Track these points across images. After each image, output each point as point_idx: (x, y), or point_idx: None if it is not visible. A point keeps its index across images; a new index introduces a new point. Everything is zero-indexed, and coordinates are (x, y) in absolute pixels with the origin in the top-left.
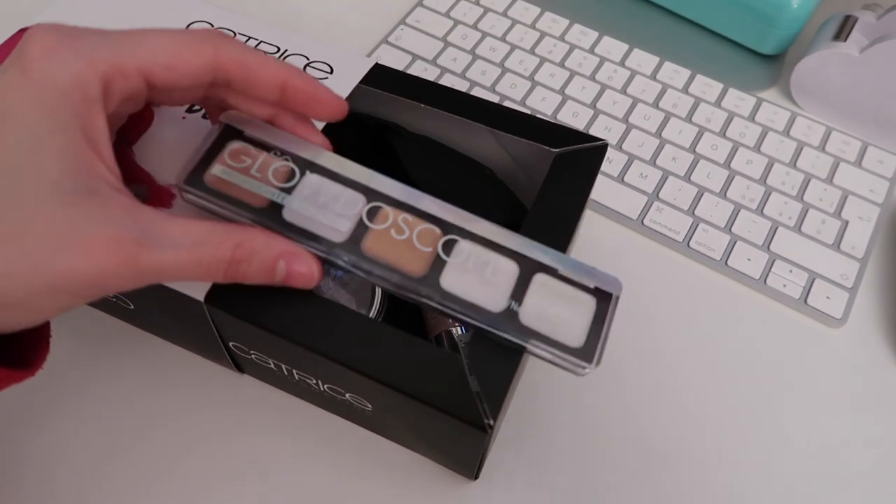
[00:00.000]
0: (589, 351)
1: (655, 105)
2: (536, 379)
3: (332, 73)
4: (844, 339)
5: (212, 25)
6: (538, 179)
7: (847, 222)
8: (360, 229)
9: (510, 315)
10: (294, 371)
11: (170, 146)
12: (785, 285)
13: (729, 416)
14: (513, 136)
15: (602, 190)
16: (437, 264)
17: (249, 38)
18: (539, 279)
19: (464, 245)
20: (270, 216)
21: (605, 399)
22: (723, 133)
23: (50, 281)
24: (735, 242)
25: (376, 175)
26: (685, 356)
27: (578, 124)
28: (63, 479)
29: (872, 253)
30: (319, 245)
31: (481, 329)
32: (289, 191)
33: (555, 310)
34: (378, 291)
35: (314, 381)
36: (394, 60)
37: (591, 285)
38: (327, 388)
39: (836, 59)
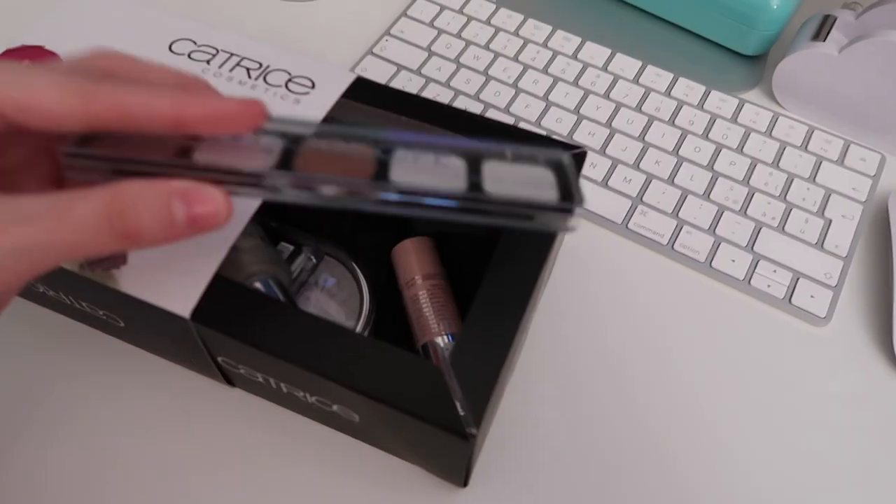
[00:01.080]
0: (567, 199)
1: (638, 109)
2: (524, 383)
3: (313, 87)
4: (829, 337)
5: (194, 43)
6: None
7: (830, 221)
8: (289, 150)
9: (476, 189)
10: (282, 384)
11: None
12: (769, 285)
13: (716, 417)
14: None
15: (587, 195)
16: (382, 165)
17: (232, 54)
18: (489, 165)
19: (401, 150)
20: (179, 164)
21: (595, 402)
22: (706, 135)
23: None
24: (719, 244)
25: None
26: (672, 358)
27: (562, 130)
28: (55, 492)
29: (856, 251)
30: (245, 179)
31: (452, 211)
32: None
33: (517, 176)
34: (366, 302)
35: (302, 394)
36: (379, 71)
37: (541, 158)
38: (315, 400)
39: (817, 59)
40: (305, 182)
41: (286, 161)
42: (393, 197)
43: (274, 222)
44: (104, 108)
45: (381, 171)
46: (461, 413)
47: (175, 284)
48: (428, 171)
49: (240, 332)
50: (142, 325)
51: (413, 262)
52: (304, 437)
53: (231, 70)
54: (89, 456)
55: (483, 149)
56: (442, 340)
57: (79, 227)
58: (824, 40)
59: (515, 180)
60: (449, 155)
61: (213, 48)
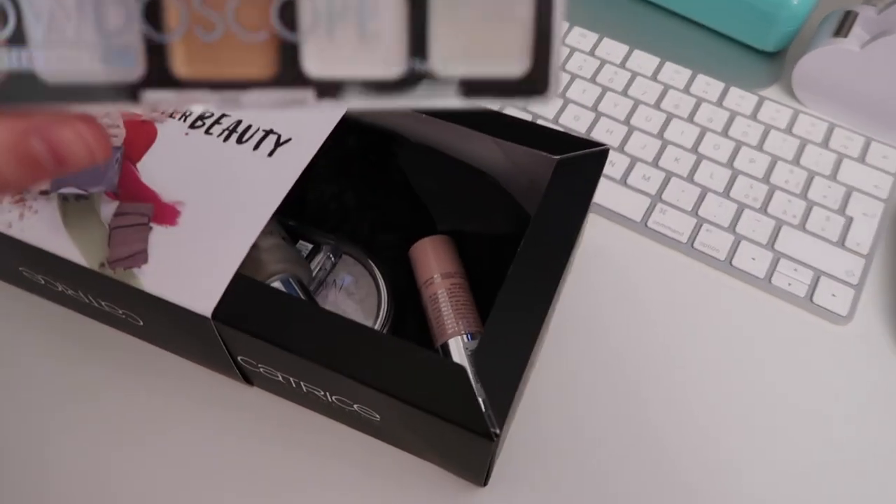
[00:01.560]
0: (541, 74)
1: (657, 106)
2: (544, 381)
3: None
4: (851, 335)
5: None
6: (541, 186)
7: (851, 219)
8: (155, 51)
9: (419, 76)
10: (302, 383)
11: (173, 163)
12: (790, 284)
13: (738, 416)
14: (514, 144)
15: (605, 193)
16: (288, 50)
17: None
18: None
19: None
20: (24, 90)
21: (615, 401)
22: (725, 132)
23: None
24: (739, 242)
25: None
26: (692, 357)
27: (580, 128)
28: (74, 490)
29: (878, 249)
30: (119, 101)
31: (390, 108)
32: (17, 39)
33: (479, 33)
34: (384, 301)
35: (322, 393)
36: None
37: None
38: (335, 399)
39: (838, 56)
40: (188, 98)
41: (156, 60)
42: (310, 99)
43: (292, 221)
44: None
45: (287, 57)
46: (484, 412)
47: (196, 283)
48: (353, 47)
49: (260, 330)
50: (162, 324)
51: (431, 260)
52: (324, 437)
53: None
54: (107, 454)
55: None
56: (461, 340)
57: None
58: (846, 36)
59: (473, 24)
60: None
61: None
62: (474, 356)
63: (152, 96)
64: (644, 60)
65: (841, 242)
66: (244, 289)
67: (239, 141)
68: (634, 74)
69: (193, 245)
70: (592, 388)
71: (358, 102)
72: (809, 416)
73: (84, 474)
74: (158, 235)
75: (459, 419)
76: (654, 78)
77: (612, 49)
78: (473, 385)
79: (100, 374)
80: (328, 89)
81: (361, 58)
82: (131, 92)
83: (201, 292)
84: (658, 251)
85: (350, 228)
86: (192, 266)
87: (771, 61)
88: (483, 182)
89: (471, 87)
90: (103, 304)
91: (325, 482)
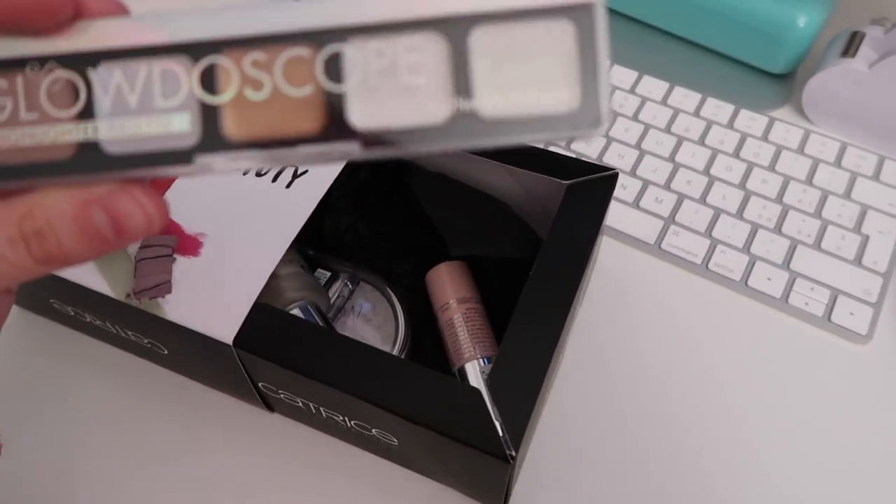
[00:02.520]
0: (591, 107)
1: (667, 130)
2: (560, 403)
3: None
4: (872, 354)
5: None
6: (552, 211)
7: (868, 237)
8: (209, 114)
9: (464, 117)
10: (321, 408)
11: (196, 196)
12: (807, 303)
13: (758, 439)
14: (524, 170)
15: (617, 216)
16: (334, 102)
17: None
18: (478, 38)
19: (352, 53)
20: (90, 161)
21: (632, 424)
22: (736, 154)
23: None
24: (754, 262)
25: (172, 15)
26: (710, 379)
27: (592, 153)
28: None
29: (895, 267)
30: (171, 165)
31: (438, 151)
32: (87, 113)
33: (522, 73)
34: (402, 326)
35: (341, 418)
36: None
37: (557, 2)
38: (354, 424)
39: (846, 76)
40: (246, 159)
41: (210, 124)
42: (356, 152)
43: (311, 250)
44: None
45: (333, 111)
46: (500, 435)
47: (218, 312)
48: (396, 97)
49: (280, 357)
50: (185, 352)
51: (447, 286)
52: (343, 462)
53: None
54: (131, 480)
55: (468, 10)
56: (478, 364)
57: None
58: (854, 56)
59: (518, 61)
60: (422, 34)
61: None
62: (489, 379)
63: (205, 160)
64: (653, 86)
65: (857, 261)
66: (264, 316)
67: (258, 174)
68: (644, 100)
69: (215, 275)
70: (608, 409)
71: (405, 149)
72: (831, 436)
73: (107, 499)
74: (182, 266)
75: (476, 442)
76: (664, 102)
77: (623, 76)
78: (489, 408)
79: (126, 403)
80: (374, 140)
81: (406, 105)
82: (187, 156)
83: (223, 320)
84: (673, 273)
85: (366, 256)
86: (214, 295)
87: (780, 83)
88: (495, 208)
89: (517, 125)
90: (129, 333)
91: None
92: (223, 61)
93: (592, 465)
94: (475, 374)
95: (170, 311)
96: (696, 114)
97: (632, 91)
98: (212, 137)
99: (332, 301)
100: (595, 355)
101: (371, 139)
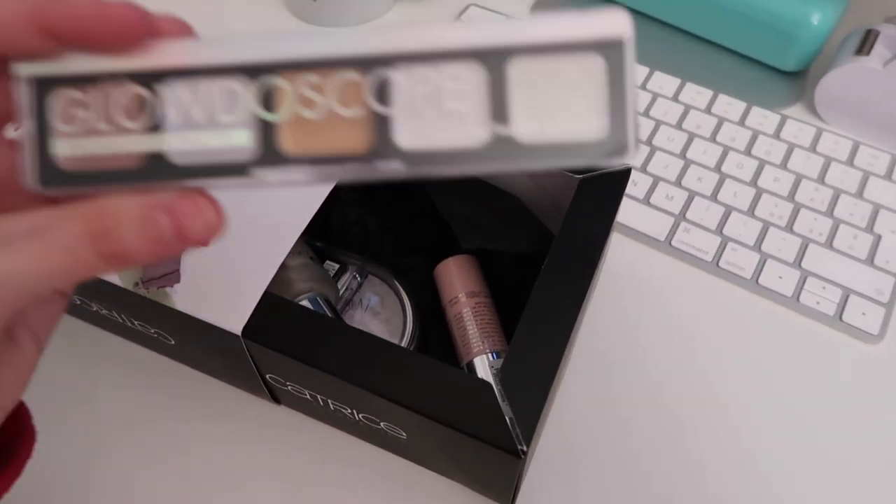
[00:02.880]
0: (619, 136)
1: (679, 126)
2: (569, 399)
3: None
4: (884, 354)
5: None
6: (563, 205)
7: (880, 237)
8: (266, 130)
9: (501, 142)
10: (329, 401)
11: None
12: (818, 302)
13: (768, 436)
14: None
15: (628, 213)
16: (381, 125)
17: None
18: (517, 69)
19: (400, 79)
20: (157, 170)
21: (639, 420)
22: (748, 151)
23: None
24: (765, 260)
25: (234, 38)
26: (720, 377)
27: None
28: None
29: None
30: (230, 176)
31: (476, 173)
32: (156, 126)
33: (556, 102)
34: (410, 320)
35: (349, 411)
36: None
37: (589, 37)
38: (362, 417)
39: (860, 74)
40: (299, 176)
41: (268, 140)
42: (402, 170)
43: (319, 242)
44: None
45: (381, 132)
46: (512, 429)
47: (227, 302)
48: (439, 122)
49: (289, 348)
50: (192, 342)
51: (456, 280)
52: (350, 455)
53: None
54: (136, 471)
55: (507, 43)
56: (487, 358)
57: (61, 251)
58: (867, 55)
59: (551, 93)
60: (463, 63)
61: None
62: (500, 374)
63: (261, 173)
64: (665, 82)
65: (870, 260)
66: (273, 307)
67: None
68: (655, 96)
69: (224, 265)
70: (619, 406)
71: (446, 170)
72: (842, 436)
73: (114, 491)
74: (191, 256)
75: (487, 437)
76: (675, 99)
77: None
78: (500, 402)
79: (131, 393)
80: (418, 160)
81: (448, 129)
82: (244, 169)
83: (232, 311)
84: (683, 270)
85: (374, 250)
86: (223, 285)
87: (793, 81)
88: (506, 202)
89: (550, 151)
90: (136, 323)
91: (350, 501)
92: (280, 82)
93: (600, 460)
94: (484, 368)
95: (178, 300)
96: (708, 111)
97: (643, 87)
98: (268, 152)
99: (340, 293)
100: (604, 352)
101: (415, 159)
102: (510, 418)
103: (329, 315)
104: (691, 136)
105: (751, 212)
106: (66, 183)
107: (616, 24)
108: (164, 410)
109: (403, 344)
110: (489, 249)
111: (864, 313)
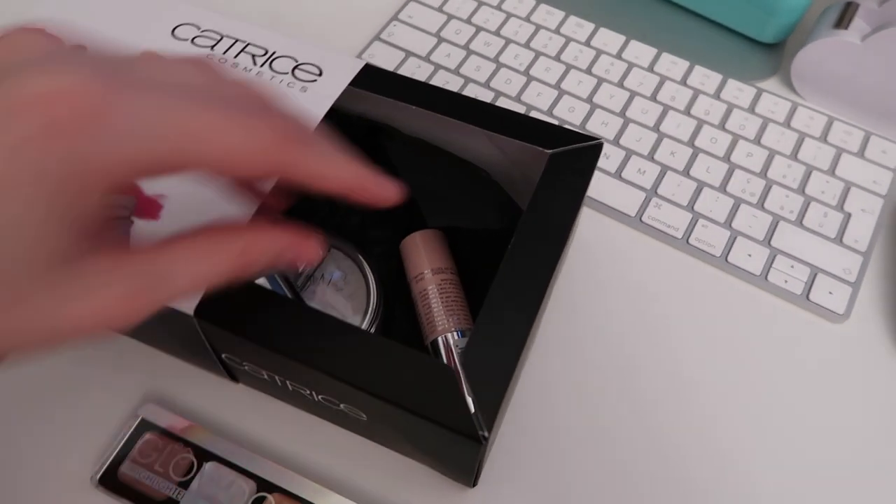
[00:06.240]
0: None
1: (653, 98)
2: (535, 379)
3: (321, 75)
4: (848, 334)
5: (197, 28)
6: (534, 180)
7: (850, 215)
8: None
9: None
10: (287, 382)
11: None
12: (786, 281)
13: (733, 414)
14: (507, 138)
15: (599, 187)
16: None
17: (237, 40)
18: None
19: None
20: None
21: (606, 399)
22: (722, 126)
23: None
24: (735, 238)
25: (269, 465)
26: (686, 355)
27: (575, 119)
28: (49, 480)
29: (875, 246)
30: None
31: None
32: (186, 484)
33: None
34: (373, 297)
35: (308, 392)
36: (387, 58)
37: None
38: (322, 398)
39: (838, 48)
40: None
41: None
42: None
43: (279, 215)
44: (288, 165)
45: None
46: (473, 415)
47: None
48: None
49: (244, 329)
50: (145, 321)
51: (422, 255)
52: (311, 435)
53: (236, 56)
54: (85, 450)
55: None
56: (452, 337)
57: (207, 266)
58: (846, 28)
59: None
60: None
61: (218, 34)
62: (463, 356)
63: None
64: (640, 51)
65: (839, 239)
66: (227, 286)
67: None
68: (631, 65)
69: None
70: (584, 384)
71: None
72: (805, 414)
73: (61, 460)
74: (140, 230)
75: (447, 422)
76: (650, 69)
77: (609, 39)
78: (463, 387)
79: (81, 371)
80: None
81: None
82: None
83: None
84: (653, 246)
85: (339, 223)
86: None
87: (770, 53)
88: (475, 175)
89: None
90: None
91: (311, 481)
92: (270, 499)
93: (567, 441)
94: (448, 347)
95: None
96: (683, 82)
97: (618, 56)
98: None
99: (300, 269)
100: (571, 329)
101: None
102: (472, 402)
103: (287, 294)
104: (666, 109)
105: (723, 188)
106: (111, 491)
107: None
108: (117, 388)
109: (367, 321)
110: (457, 226)
111: (830, 292)
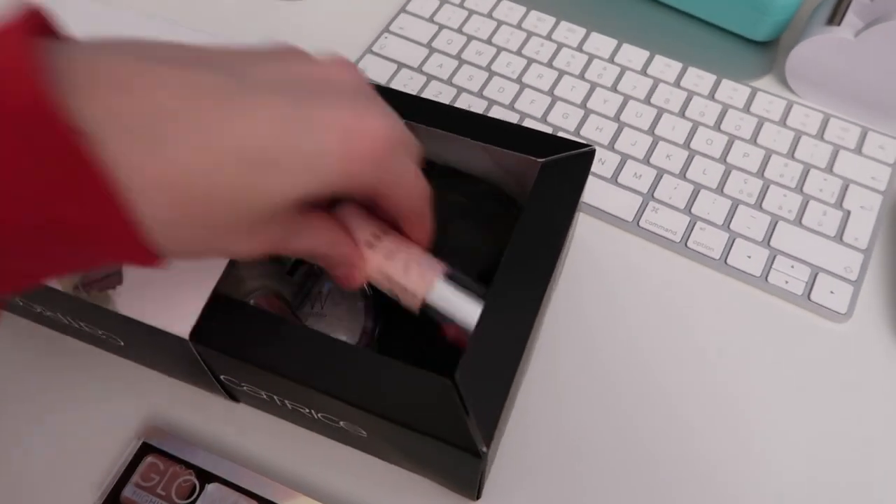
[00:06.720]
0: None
1: (647, 101)
2: (536, 387)
3: None
4: (851, 333)
5: None
6: (529, 189)
7: (849, 213)
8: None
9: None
10: (287, 401)
11: None
12: (787, 281)
13: (735, 418)
14: (500, 148)
15: (595, 192)
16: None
17: None
18: None
19: None
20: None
21: (610, 405)
22: (717, 127)
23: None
24: (734, 240)
25: (271, 485)
26: (688, 360)
27: (569, 125)
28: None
29: (876, 243)
30: None
31: None
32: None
33: None
34: (371, 306)
35: (308, 411)
36: (379, 70)
37: None
38: (321, 416)
39: (832, 44)
40: None
41: None
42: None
43: None
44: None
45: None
46: (471, 429)
47: (173, 304)
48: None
49: (240, 350)
50: (142, 344)
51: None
52: (313, 452)
53: None
54: (90, 469)
55: None
56: (437, 286)
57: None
58: (839, 24)
59: None
60: None
61: None
62: (460, 372)
63: None
64: (633, 54)
65: (839, 237)
66: (222, 308)
67: None
68: (624, 69)
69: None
70: (585, 394)
71: None
72: (809, 415)
73: (58, 482)
74: None
75: (446, 437)
76: (643, 72)
77: (601, 43)
78: (461, 402)
79: (84, 391)
80: None
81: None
82: None
83: (178, 313)
84: (651, 251)
85: None
86: (169, 286)
87: (763, 51)
88: (474, 188)
89: None
90: (83, 324)
91: (315, 498)
92: None
93: (570, 451)
94: (447, 295)
95: (121, 304)
96: (677, 84)
97: (611, 60)
98: None
99: (299, 280)
100: (571, 337)
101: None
102: (470, 416)
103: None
104: (660, 112)
105: (720, 189)
106: None
107: None
108: (115, 409)
109: (365, 332)
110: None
111: (832, 292)
